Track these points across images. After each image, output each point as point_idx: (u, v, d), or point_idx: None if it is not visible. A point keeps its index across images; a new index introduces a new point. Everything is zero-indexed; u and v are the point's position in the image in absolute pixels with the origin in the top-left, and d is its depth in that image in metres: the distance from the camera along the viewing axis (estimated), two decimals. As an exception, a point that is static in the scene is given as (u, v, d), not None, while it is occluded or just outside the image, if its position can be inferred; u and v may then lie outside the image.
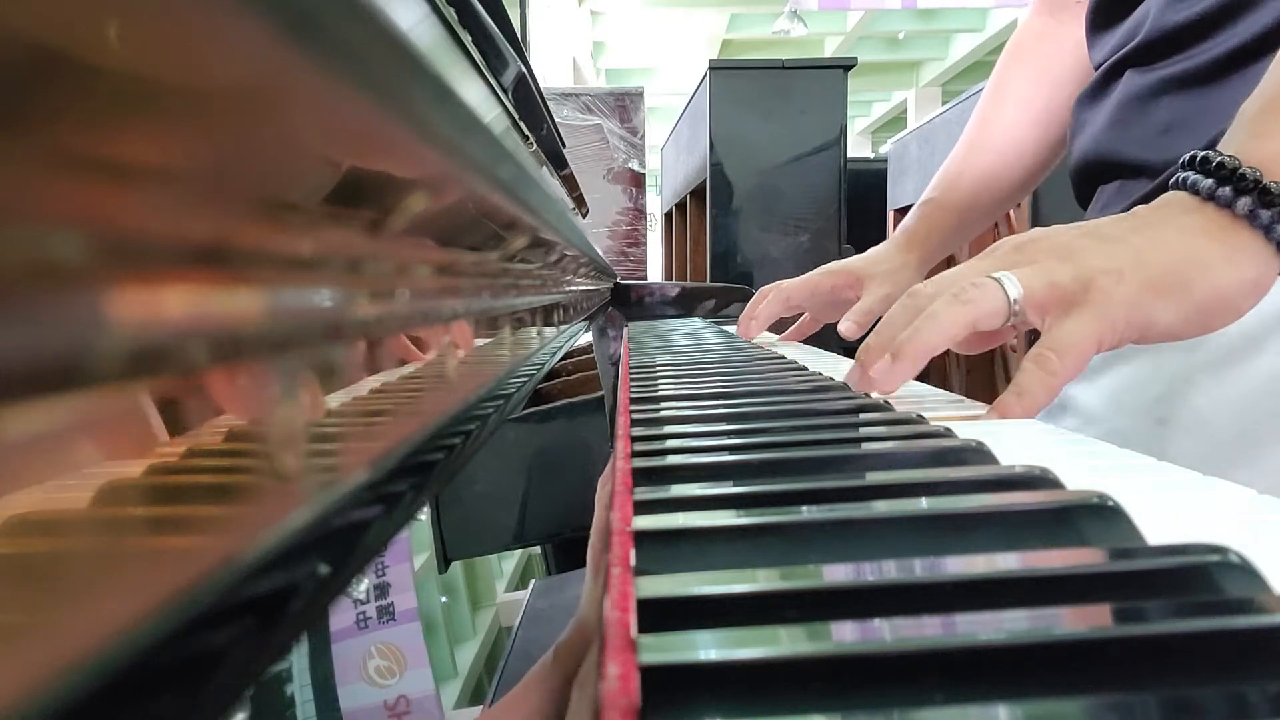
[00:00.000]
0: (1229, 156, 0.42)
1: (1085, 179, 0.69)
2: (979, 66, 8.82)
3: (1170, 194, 0.45)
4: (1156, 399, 0.56)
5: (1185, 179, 0.44)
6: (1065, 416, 0.63)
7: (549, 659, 0.22)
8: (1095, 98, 0.69)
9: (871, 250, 0.85)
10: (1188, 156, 0.44)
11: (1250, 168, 0.42)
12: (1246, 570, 0.17)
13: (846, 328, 0.76)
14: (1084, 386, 0.61)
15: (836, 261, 0.86)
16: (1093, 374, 0.61)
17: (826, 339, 0.87)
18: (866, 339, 0.46)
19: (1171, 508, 0.23)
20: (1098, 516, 0.21)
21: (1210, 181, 0.42)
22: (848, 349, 0.77)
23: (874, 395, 0.44)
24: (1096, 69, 0.70)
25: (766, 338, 0.92)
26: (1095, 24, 0.72)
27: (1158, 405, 0.56)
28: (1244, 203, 0.41)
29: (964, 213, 0.83)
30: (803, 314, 0.89)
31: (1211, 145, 0.45)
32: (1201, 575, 0.17)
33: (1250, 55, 0.52)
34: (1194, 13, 0.60)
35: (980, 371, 2.00)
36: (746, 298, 1.45)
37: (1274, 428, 0.52)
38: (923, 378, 0.51)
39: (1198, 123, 0.50)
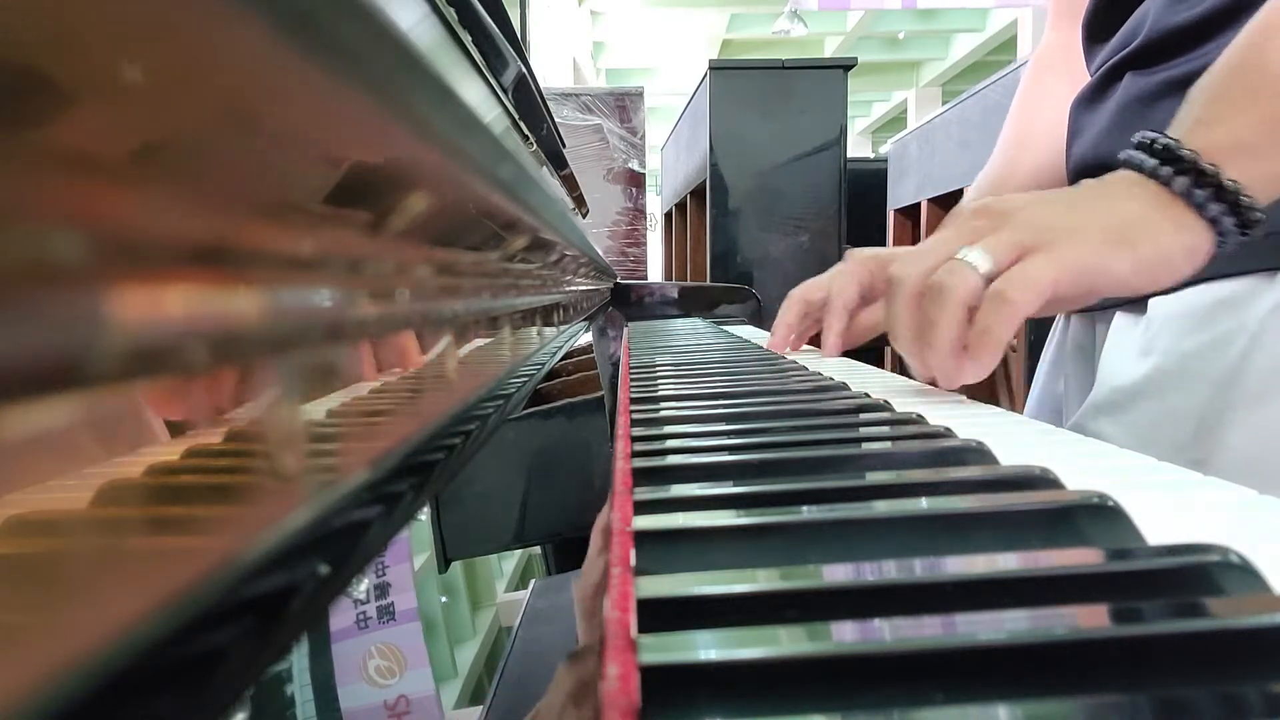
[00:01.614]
0: (1172, 140, 0.46)
1: None
2: (979, 66, 8.82)
3: (1120, 170, 0.48)
4: (1193, 438, 0.55)
5: (1132, 158, 0.48)
6: None
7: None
8: (1094, 101, 0.68)
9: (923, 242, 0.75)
10: (1137, 137, 0.48)
11: (1189, 150, 0.45)
12: (1246, 570, 0.17)
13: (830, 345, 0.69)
14: (1108, 421, 0.60)
15: (865, 250, 0.73)
16: (1116, 410, 0.60)
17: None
18: (899, 347, 0.48)
19: (1172, 508, 0.23)
20: (1098, 516, 0.21)
21: (1154, 161, 0.46)
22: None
23: (873, 395, 0.44)
24: (1093, 75, 0.69)
25: (756, 336, 0.90)
26: (1091, 34, 0.71)
27: (1194, 445, 0.55)
28: (1181, 182, 0.45)
29: None
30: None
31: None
32: (1201, 575, 0.17)
33: None
34: (1195, 14, 0.59)
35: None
36: (747, 298, 1.45)
37: None
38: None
39: None
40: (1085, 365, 0.71)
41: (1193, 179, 0.45)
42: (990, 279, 0.44)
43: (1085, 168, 0.67)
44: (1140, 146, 0.48)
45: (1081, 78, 0.76)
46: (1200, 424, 0.55)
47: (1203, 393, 0.55)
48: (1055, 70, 0.81)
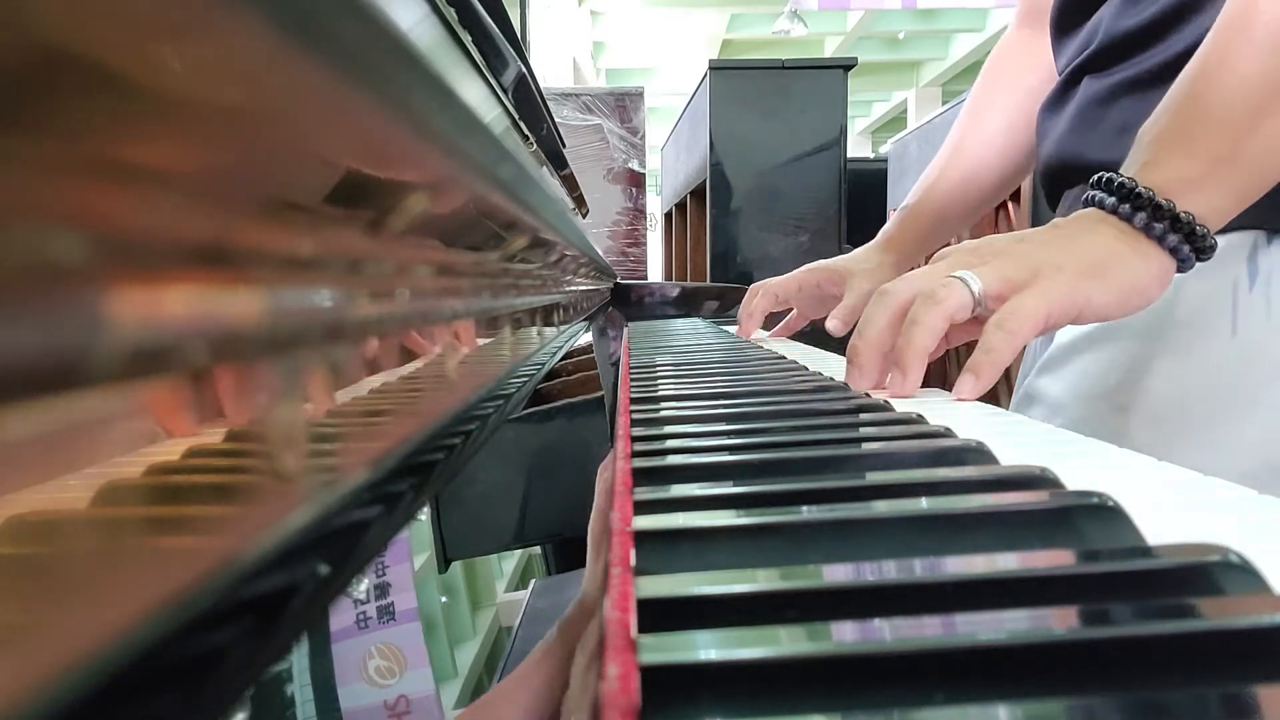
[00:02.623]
0: (1129, 179, 0.51)
1: (1052, 183, 0.72)
2: (979, 66, 8.77)
3: (1084, 209, 0.53)
4: (1117, 386, 0.61)
5: (1095, 196, 0.53)
6: (1033, 407, 0.68)
7: (554, 634, 0.23)
8: (1057, 105, 0.72)
9: (854, 251, 0.91)
10: (1096, 177, 0.53)
11: (1146, 188, 0.50)
12: (1246, 570, 0.17)
13: (833, 325, 0.81)
14: (1049, 379, 0.66)
15: (820, 260, 0.91)
16: (1056, 366, 0.65)
17: (826, 337, 0.88)
18: (853, 339, 0.52)
19: (1171, 507, 0.23)
20: (1098, 516, 0.21)
21: (1114, 199, 0.51)
22: (846, 348, 0.78)
23: (873, 395, 0.44)
24: (1060, 75, 0.72)
25: (758, 334, 0.94)
26: (1059, 29, 0.75)
27: (1118, 392, 0.61)
28: (1140, 217, 0.50)
29: (938, 218, 0.89)
30: (790, 310, 0.93)
31: None
32: (1201, 575, 0.17)
33: None
34: (1144, 18, 0.63)
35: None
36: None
37: (1226, 407, 0.57)
38: (924, 380, 0.51)
39: None
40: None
41: (1150, 214, 0.50)
42: (979, 301, 0.48)
43: (1051, 169, 0.71)
44: (1102, 185, 0.52)
45: (1034, 77, 0.82)
46: (1126, 373, 0.60)
47: (1130, 344, 0.61)
48: (1007, 70, 0.89)
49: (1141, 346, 0.60)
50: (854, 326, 0.80)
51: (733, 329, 0.99)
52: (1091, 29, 0.68)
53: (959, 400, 0.46)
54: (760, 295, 0.91)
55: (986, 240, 0.53)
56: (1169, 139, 0.52)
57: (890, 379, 0.49)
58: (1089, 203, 0.53)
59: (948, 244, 0.60)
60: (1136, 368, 0.60)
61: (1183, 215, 0.50)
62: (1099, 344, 0.62)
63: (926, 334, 0.48)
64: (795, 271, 0.91)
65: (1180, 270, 0.51)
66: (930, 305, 0.48)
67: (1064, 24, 0.74)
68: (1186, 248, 0.50)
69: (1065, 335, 0.65)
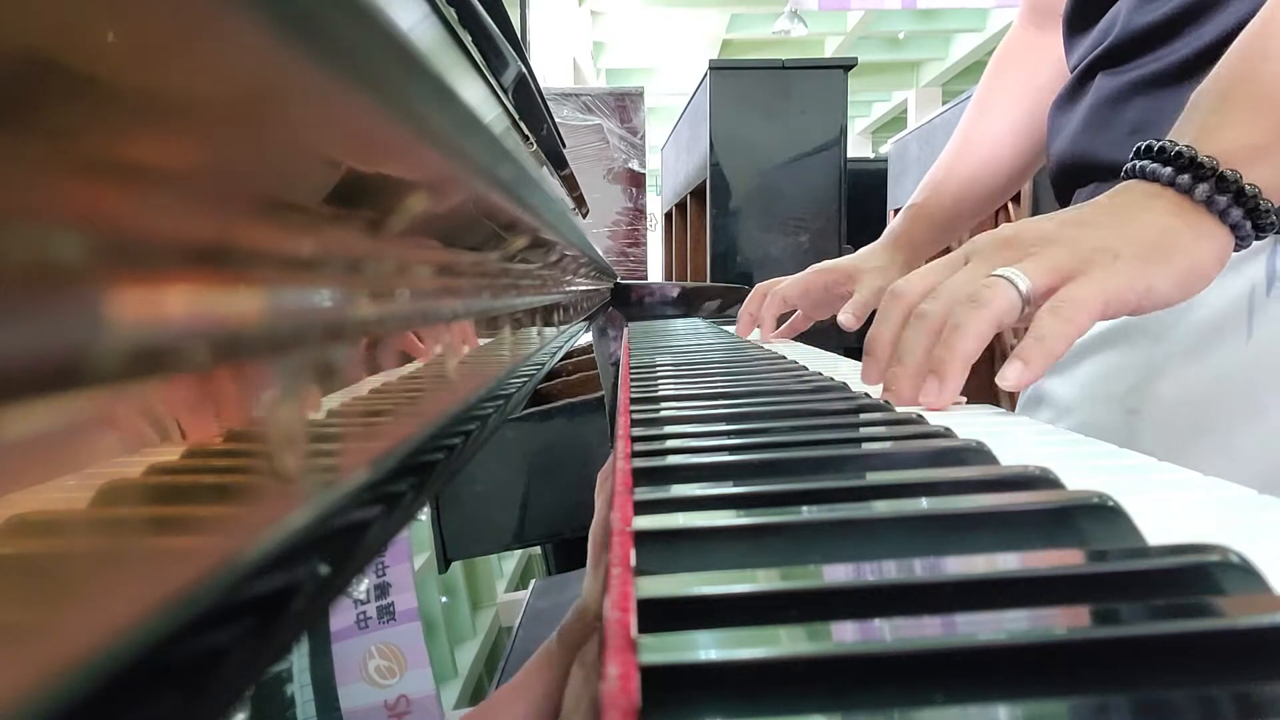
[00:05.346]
0: (1186, 146, 0.46)
1: (1063, 181, 0.70)
2: (979, 66, 8.81)
3: (1130, 182, 0.48)
4: (1128, 389, 0.59)
5: (1143, 168, 0.47)
6: (1041, 409, 0.66)
7: (553, 641, 0.23)
8: (1070, 101, 0.70)
9: (860, 251, 0.90)
10: (1143, 146, 0.47)
11: (1208, 156, 0.45)
12: (1246, 570, 0.17)
13: (845, 319, 0.80)
14: (1058, 380, 0.64)
15: (827, 261, 0.90)
16: (1065, 367, 0.63)
17: (825, 337, 0.88)
18: (871, 331, 0.49)
19: (1172, 508, 0.23)
20: (1098, 516, 0.21)
21: (1170, 170, 0.46)
22: (847, 348, 0.78)
23: (873, 395, 0.44)
24: (1072, 72, 0.71)
25: (754, 334, 0.94)
26: (1071, 26, 0.74)
27: (1129, 396, 0.58)
28: (1202, 189, 0.45)
29: (947, 217, 0.88)
30: (794, 312, 0.92)
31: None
32: (1201, 575, 0.17)
33: (1216, 56, 0.52)
34: (1161, 15, 0.61)
35: (981, 372, 2.00)
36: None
37: (1238, 412, 0.54)
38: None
39: (1167, 123, 0.50)
40: None
41: (1213, 186, 0.45)
42: (1028, 300, 0.43)
43: (1062, 168, 0.70)
44: (1152, 154, 0.47)
45: (1041, 76, 0.81)
46: (1138, 377, 0.58)
47: (1143, 347, 0.58)
48: (1013, 69, 0.87)
49: (1154, 349, 0.57)
50: (866, 322, 0.80)
51: (732, 329, 0.99)
52: (1107, 24, 0.67)
53: (1002, 386, 0.42)
54: (769, 299, 0.90)
55: (1026, 225, 0.47)
56: (1230, 101, 0.47)
57: (927, 390, 0.43)
58: (1136, 174, 0.47)
59: (957, 242, 0.59)
60: (1149, 371, 0.57)
61: (1247, 188, 0.44)
62: (1111, 346, 0.60)
63: (971, 340, 0.42)
64: (802, 274, 0.90)
65: (1238, 249, 0.46)
66: (974, 309, 0.42)
67: (1077, 20, 0.72)
68: (1249, 224, 0.45)
69: None
